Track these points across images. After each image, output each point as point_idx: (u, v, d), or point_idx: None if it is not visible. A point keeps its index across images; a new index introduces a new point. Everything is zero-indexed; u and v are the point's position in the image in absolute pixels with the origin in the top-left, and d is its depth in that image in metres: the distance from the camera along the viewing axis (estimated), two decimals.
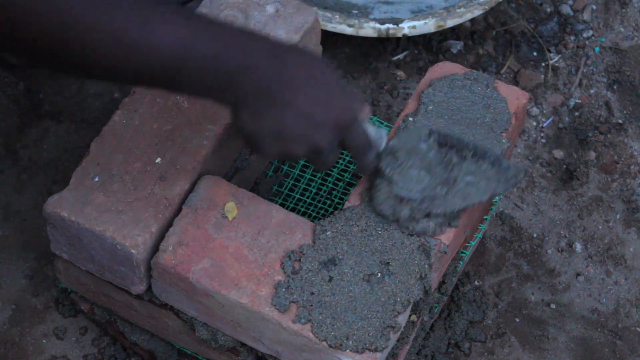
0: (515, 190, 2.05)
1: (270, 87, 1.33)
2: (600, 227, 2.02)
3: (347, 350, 1.46)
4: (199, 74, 1.31)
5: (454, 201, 1.52)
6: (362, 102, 1.44)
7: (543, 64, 2.23)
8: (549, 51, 2.24)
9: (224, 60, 1.31)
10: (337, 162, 1.84)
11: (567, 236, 2.01)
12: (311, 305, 1.48)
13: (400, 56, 2.22)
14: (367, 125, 1.47)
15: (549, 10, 2.30)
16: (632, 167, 2.10)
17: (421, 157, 1.52)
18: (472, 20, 2.25)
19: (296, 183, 1.82)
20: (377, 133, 1.49)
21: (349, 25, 2.05)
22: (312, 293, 1.49)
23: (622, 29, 2.28)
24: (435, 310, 1.76)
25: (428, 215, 1.52)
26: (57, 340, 1.83)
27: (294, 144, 1.38)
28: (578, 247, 1.99)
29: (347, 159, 1.85)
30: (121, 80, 1.33)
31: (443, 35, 2.24)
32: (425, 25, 2.07)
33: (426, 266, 1.52)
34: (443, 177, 1.52)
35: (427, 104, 1.67)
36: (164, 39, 1.27)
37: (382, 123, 1.89)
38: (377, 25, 2.06)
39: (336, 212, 1.56)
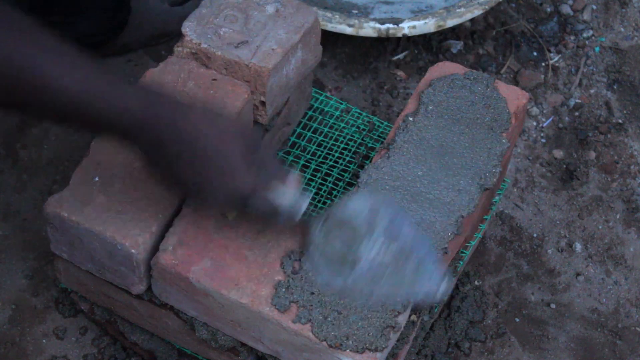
0: (515, 190, 2.05)
1: (174, 141, 1.37)
2: (600, 227, 2.02)
3: (347, 350, 1.46)
4: (101, 123, 1.35)
5: (354, 292, 1.46)
6: (284, 173, 1.45)
7: (543, 64, 2.23)
8: (549, 51, 2.24)
9: (126, 115, 1.34)
10: (337, 163, 1.84)
11: (567, 236, 2.01)
12: (311, 305, 1.48)
13: (400, 56, 2.22)
14: (286, 192, 1.44)
15: (549, 10, 2.30)
16: (632, 167, 2.10)
17: (348, 235, 1.47)
18: (472, 20, 2.25)
19: None
20: (296, 200, 1.45)
21: (349, 25, 2.05)
22: (312, 293, 1.49)
23: (622, 29, 2.28)
24: (435, 310, 1.76)
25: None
26: (57, 340, 1.83)
27: (189, 193, 1.45)
28: (578, 247, 1.99)
29: (347, 158, 1.85)
30: (35, 115, 1.43)
31: (443, 35, 2.24)
32: (425, 25, 2.07)
33: None
34: (358, 262, 1.46)
35: (427, 103, 1.67)
36: (70, 86, 1.31)
37: (382, 122, 1.89)
38: (377, 25, 2.06)
39: None
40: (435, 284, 1.46)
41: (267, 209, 1.44)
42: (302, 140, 1.87)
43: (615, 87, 2.20)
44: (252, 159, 1.41)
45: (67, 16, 1.98)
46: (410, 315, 1.57)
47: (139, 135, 1.36)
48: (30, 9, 1.94)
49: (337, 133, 1.88)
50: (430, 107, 1.66)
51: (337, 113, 1.90)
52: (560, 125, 2.15)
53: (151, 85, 1.42)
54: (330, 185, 1.82)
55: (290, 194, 1.45)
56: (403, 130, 1.64)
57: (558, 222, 2.02)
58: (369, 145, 1.86)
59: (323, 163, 1.85)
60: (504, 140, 1.64)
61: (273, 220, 1.46)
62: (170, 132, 1.36)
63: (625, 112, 2.17)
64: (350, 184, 1.81)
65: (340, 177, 1.83)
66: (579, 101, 2.18)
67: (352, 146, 1.87)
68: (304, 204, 1.46)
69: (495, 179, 1.61)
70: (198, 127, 1.38)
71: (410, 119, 1.65)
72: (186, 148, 1.37)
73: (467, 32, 2.25)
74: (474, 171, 1.61)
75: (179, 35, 1.68)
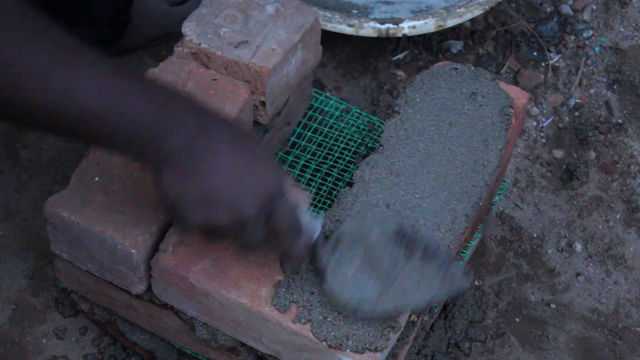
0: (515, 190, 2.05)
1: (196, 149, 1.28)
2: (600, 227, 2.02)
3: (347, 350, 1.46)
4: (123, 129, 1.26)
5: (385, 305, 1.43)
6: (299, 189, 1.39)
7: (543, 64, 2.23)
8: (549, 51, 2.24)
9: (149, 118, 1.26)
10: (337, 163, 1.84)
11: (567, 236, 2.01)
12: (311, 305, 1.48)
13: (400, 56, 2.22)
14: (301, 213, 1.39)
15: (549, 10, 2.30)
16: (632, 167, 2.10)
17: (365, 250, 1.44)
18: (472, 20, 2.25)
19: (296, 183, 1.82)
20: (311, 223, 1.40)
21: (349, 25, 2.05)
22: (312, 293, 1.49)
23: (622, 29, 2.28)
24: (435, 310, 1.76)
25: (355, 314, 1.45)
26: (57, 340, 1.83)
27: (218, 210, 1.31)
28: (578, 247, 2.00)
29: (347, 158, 1.85)
30: (47, 129, 1.29)
31: (443, 35, 2.24)
32: (425, 25, 2.07)
33: None
34: (382, 275, 1.43)
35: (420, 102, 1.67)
36: (89, 88, 1.23)
37: (382, 122, 1.89)
38: (377, 25, 2.06)
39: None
40: (459, 281, 1.44)
41: (291, 220, 1.37)
42: (302, 140, 1.87)
43: (615, 87, 2.20)
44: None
45: (74, 20, 1.98)
46: (410, 315, 1.57)
47: (166, 142, 1.27)
48: None
49: (337, 133, 1.88)
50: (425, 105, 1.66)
51: (337, 113, 1.90)
52: (560, 125, 2.15)
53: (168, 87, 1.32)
54: (330, 185, 1.82)
55: (306, 212, 1.41)
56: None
57: (558, 222, 2.02)
58: (369, 145, 1.86)
59: (323, 163, 1.85)
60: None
61: (291, 238, 1.39)
62: (203, 136, 1.28)
63: (625, 112, 2.17)
64: (351, 184, 1.81)
65: (340, 177, 1.83)
66: (579, 101, 2.18)
67: (352, 146, 1.87)
68: (319, 227, 1.42)
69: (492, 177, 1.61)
70: (230, 132, 1.31)
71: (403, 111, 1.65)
72: (223, 151, 1.29)
73: (467, 32, 2.25)
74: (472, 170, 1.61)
75: (179, 36, 1.68)
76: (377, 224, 1.45)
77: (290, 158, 1.84)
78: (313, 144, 1.87)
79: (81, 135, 1.29)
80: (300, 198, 1.39)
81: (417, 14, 2.12)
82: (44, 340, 1.83)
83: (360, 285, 1.43)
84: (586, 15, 2.29)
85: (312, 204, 1.78)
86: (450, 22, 2.08)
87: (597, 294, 1.95)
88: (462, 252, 1.74)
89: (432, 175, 1.58)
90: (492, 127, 1.63)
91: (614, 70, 2.22)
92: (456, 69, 1.68)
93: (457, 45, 2.23)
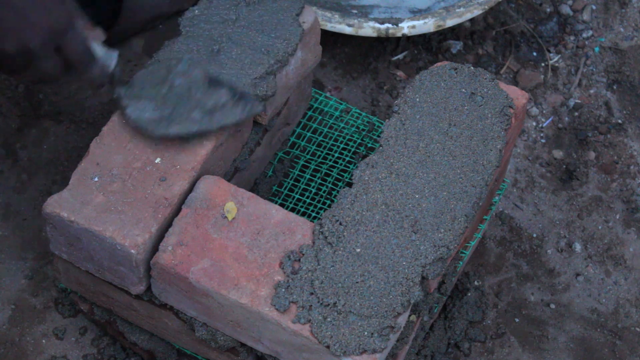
0: (515, 190, 2.05)
1: None
2: (600, 227, 2.02)
3: (347, 351, 1.46)
4: None
5: (174, 128, 1.56)
6: (89, 22, 1.47)
7: (543, 64, 2.23)
8: (549, 51, 2.24)
9: None
10: (337, 163, 1.84)
11: (567, 236, 2.01)
12: (310, 306, 1.48)
13: (400, 56, 2.22)
14: (94, 46, 1.49)
15: (548, 10, 2.30)
16: (632, 167, 2.10)
17: (158, 90, 1.57)
18: (471, 20, 2.25)
19: (296, 183, 1.82)
20: (106, 53, 1.52)
21: (348, 25, 2.05)
22: (312, 293, 1.49)
23: (621, 29, 2.28)
24: (435, 310, 1.76)
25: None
26: (56, 340, 1.83)
27: (3, 38, 1.39)
28: (578, 247, 2.00)
29: (347, 159, 1.85)
30: None
31: (443, 35, 2.24)
32: (425, 25, 2.07)
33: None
34: (168, 102, 1.57)
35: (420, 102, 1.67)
36: None
37: (381, 123, 1.89)
38: (377, 25, 2.06)
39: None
40: (252, 106, 1.59)
41: (82, 49, 1.46)
42: (302, 140, 1.87)
43: (615, 87, 2.20)
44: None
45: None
46: (410, 315, 1.58)
47: None
48: None
49: (336, 133, 1.88)
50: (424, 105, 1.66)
51: (337, 113, 1.90)
52: (560, 125, 2.15)
53: None
54: (330, 185, 1.82)
55: (99, 46, 1.51)
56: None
57: (558, 222, 2.02)
58: (369, 145, 1.86)
59: (323, 163, 1.85)
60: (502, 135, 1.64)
61: (86, 69, 1.48)
62: None
63: (625, 112, 2.17)
64: (350, 184, 1.81)
65: (340, 177, 1.84)
66: (579, 101, 2.18)
67: (352, 146, 1.87)
68: (115, 57, 1.53)
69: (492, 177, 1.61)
70: None
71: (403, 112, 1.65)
72: None
73: (466, 32, 2.25)
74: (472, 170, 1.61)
75: (172, 16, 1.67)
76: (170, 68, 1.58)
77: (290, 158, 1.84)
78: (312, 144, 1.87)
79: None
80: (92, 32, 1.48)
81: (417, 13, 2.12)
82: (43, 341, 1.83)
83: (147, 108, 1.56)
84: (586, 16, 2.29)
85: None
86: (450, 22, 2.08)
87: (597, 294, 1.95)
88: (462, 252, 1.74)
89: (432, 175, 1.58)
90: (491, 127, 1.63)
91: (613, 70, 2.22)
92: (456, 69, 1.68)
93: (456, 46, 2.23)
